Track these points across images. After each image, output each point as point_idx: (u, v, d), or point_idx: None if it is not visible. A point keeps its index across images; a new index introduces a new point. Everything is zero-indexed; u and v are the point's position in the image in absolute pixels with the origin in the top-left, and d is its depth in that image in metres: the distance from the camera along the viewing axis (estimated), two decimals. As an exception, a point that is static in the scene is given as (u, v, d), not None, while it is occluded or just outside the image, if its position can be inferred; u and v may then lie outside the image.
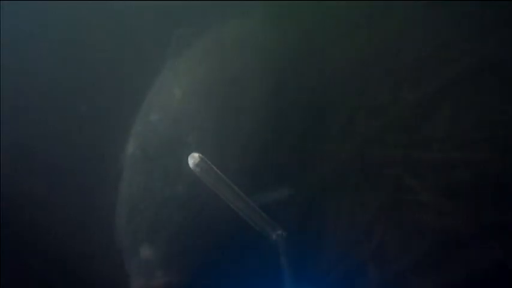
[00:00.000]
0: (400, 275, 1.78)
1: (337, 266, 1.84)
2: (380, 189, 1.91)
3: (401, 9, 2.06)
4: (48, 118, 1.99)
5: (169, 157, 1.74)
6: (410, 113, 2.00)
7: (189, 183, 1.66)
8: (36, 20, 1.93)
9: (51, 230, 1.90)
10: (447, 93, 1.99)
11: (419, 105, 2.00)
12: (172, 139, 1.78)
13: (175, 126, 1.81)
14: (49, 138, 1.98)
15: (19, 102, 1.97)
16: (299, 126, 2.02)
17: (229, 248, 1.73)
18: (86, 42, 2.02)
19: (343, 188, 1.94)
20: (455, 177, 1.88)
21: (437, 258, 1.78)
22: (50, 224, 1.90)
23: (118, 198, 1.75)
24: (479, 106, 1.96)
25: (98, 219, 1.83)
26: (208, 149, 1.66)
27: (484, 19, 2.04)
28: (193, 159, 1.52)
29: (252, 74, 1.98)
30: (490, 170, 1.86)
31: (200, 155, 1.53)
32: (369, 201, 1.90)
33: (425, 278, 1.77)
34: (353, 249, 1.85)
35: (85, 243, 1.87)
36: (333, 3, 2.06)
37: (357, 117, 2.03)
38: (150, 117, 1.85)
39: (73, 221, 1.90)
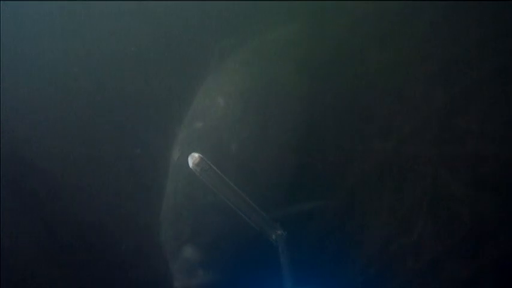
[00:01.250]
0: (437, 264, 1.88)
1: (340, 266, 1.87)
2: (417, 186, 1.97)
3: (431, 11, 2.11)
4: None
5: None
6: (443, 110, 2.04)
7: None
8: (36, 20, 1.95)
9: (83, 230, 1.95)
10: (478, 91, 2.03)
11: (452, 102, 2.04)
12: (214, 147, 1.84)
13: (218, 133, 1.87)
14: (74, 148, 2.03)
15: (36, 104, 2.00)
16: (338, 129, 2.08)
17: (229, 248, 1.74)
18: (126, 51, 2.07)
19: (381, 186, 2.00)
20: (488, 171, 1.94)
21: (472, 247, 1.88)
22: (81, 225, 1.95)
23: (163, 204, 1.85)
24: (510, 102, 2.00)
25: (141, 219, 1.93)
26: (250, 155, 1.81)
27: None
28: (193, 159, 1.53)
29: (291, 82, 2.05)
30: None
31: (200, 154, 1.54)
32: (407, 198, 1.97)
33: (461, 265, 1.88)
34: (391, 242, 1.93)
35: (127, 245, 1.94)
36: (368, 11, 2.11)
37: (393, 118, 2.08)
38: (194, 125, 1.91)
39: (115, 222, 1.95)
